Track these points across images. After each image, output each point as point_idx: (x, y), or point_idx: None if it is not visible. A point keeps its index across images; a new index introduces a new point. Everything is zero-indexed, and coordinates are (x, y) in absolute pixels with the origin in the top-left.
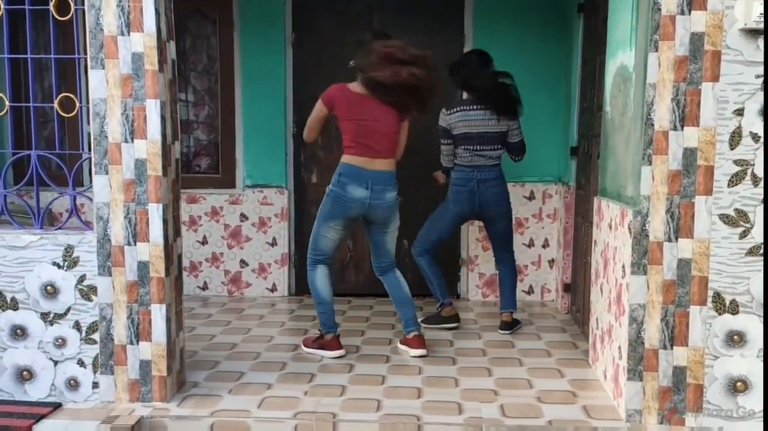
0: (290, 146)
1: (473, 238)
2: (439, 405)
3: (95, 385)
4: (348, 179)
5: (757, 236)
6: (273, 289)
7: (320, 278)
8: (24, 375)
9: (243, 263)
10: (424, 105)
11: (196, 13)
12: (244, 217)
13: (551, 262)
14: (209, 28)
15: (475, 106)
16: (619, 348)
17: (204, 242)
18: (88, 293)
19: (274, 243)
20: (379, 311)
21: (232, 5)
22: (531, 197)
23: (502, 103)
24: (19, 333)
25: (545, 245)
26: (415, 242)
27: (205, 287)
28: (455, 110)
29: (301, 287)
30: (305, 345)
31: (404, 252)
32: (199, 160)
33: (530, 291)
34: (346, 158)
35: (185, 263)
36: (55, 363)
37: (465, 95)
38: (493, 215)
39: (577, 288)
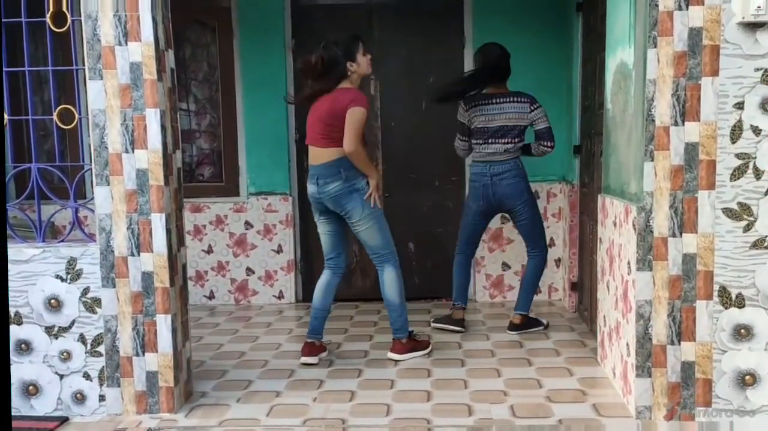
0: (293, 152)
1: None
2: (448, 408)
3: (102, 398)
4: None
5: (760, 229)
6: (280, 296)
7: (318, 282)
8: (30, 389)
9: (249, 271)
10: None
11: (195, 22)
12: (249, 225)
13: (557, 261)
14: (209, 37)
15: (495, 100)
16: (627, 345)
17: (209, 251)
18: (92, 305)
19: (279, 250)
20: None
21: (231, 13)
22: (536, 197)
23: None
24: (23, 347)
25: (551, 244)
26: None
27: (211, 297)
28: (473, 104)
29: (308, 293)
30: None
31: (410, 256)
32: (202, 169)
33: (537, 291)
34: None
35: (191, 272)
36: (61, 376)
37: (485, 89)
38: (512, 207)
39: (584, 286)
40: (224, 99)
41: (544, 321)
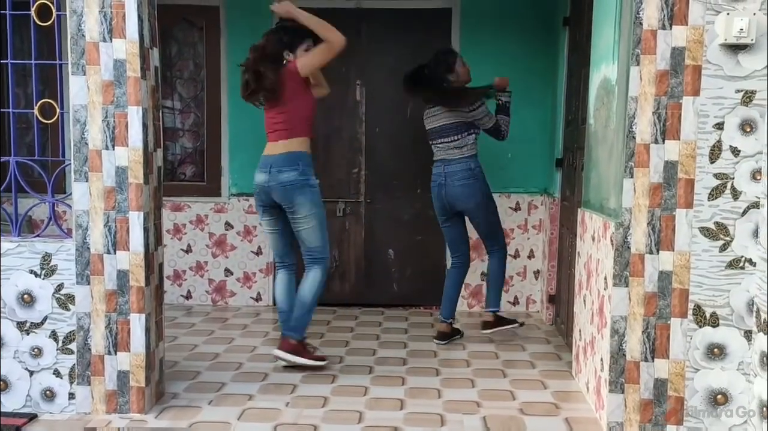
0: None
1: None
2: (421, 417)
3: (71, 396)
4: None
5: (737, 249)
6: (257, 298)
7: (277, 285)
8: None
9: (227, 272)
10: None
11: (182, 21)
12: (229, 225)
13: (536, 273)
14: (196, 36)
15: (429, 105)
16: (601, 359)
17: (188, 250)
18: (65, 302)
19: (259, 252)
20: (363, 322)
21: (220, 13)
22: (517, 209)
23: (443, 96)
24: None
25: (530, 256)
26: None
27: (188, 296)
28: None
29: None
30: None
31: (390, 263)
32: (184, 168)
33: (515, 302)
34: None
35: (169, 271)
36: (31, 373)
37: None
38: (464, 209)
39: (562, 299)
40: (209, 99)
41: (518, 320)
